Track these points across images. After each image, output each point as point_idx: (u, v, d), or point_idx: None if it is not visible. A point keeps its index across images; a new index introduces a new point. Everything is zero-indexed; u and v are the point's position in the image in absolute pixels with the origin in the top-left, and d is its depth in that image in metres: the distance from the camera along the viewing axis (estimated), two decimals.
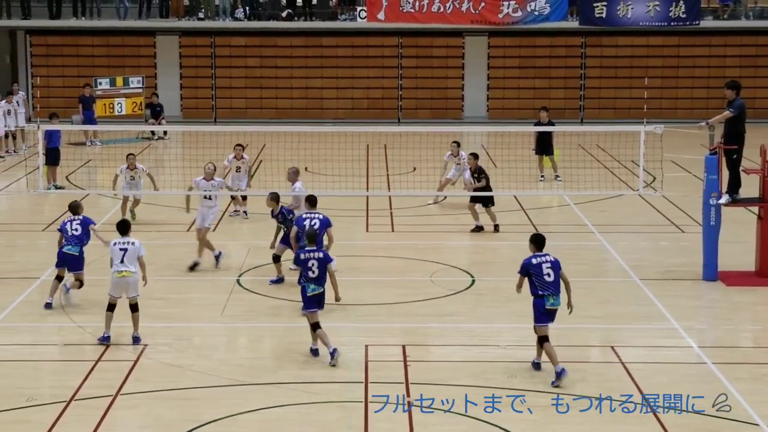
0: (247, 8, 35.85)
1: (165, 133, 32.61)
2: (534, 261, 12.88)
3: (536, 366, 13.05)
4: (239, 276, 17.25)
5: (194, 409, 11.97)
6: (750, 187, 17.47)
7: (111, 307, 13.97)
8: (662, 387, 12.53)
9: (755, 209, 17.58)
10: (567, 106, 36.57)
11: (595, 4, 35.17)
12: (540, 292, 12.76)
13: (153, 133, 32.55)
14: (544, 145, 25.34)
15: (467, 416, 11.70)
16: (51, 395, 12.25)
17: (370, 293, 16.36)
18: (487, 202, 20.50)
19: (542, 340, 12.85)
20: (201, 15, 35.94)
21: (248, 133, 29.12)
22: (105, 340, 13.87)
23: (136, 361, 13.34)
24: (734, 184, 17.08)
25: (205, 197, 18.13)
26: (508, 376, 12.87)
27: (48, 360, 13.60)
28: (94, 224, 16.07)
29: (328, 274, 13.43)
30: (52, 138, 24.01)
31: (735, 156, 16.90)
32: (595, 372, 13.18)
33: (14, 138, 29.45)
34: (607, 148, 28.57)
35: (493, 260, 18.56)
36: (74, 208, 16.02)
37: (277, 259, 16.77)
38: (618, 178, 25.43)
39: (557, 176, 25.41)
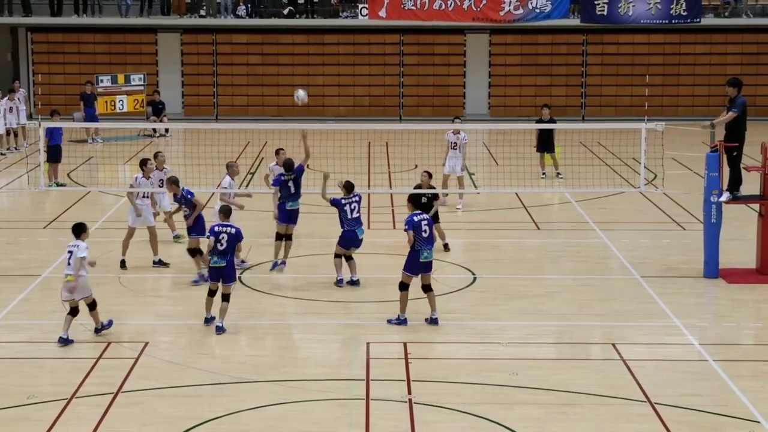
0: (249, 6, 35.84)
1: (167, 130, 32.60)
2: (415, 219, 14.47)
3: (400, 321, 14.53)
4: (241, 273, 17.21)
5: (195, 406, 11.94)
6: (751, 185, 17.44)
7: (72, 311, 13.92)
8: (664, 384, 12.51)
9: (756, 206, 17.54)
10: (568, 104, 36.54)
11: (596, 2, 35.13)
12: (416, 247, 14.33)
13: (154, 130, 32.54)
14: (545, 142, 25.33)
15: (468, 413, 11.68)
16: (52, 393, 12.23)
17: (371, 291, 16.34)
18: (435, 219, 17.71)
19: (404, 287, 14.48)
20: (203, 12, 35.92)
21: (250, 130, 29.10)
22: (63, 342, 13.76)
23: (137, 359, 13.32)
24: (735, 182, 17.05)
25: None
26: (510, 373, 12.85)
27: (49, 357, 13.57)
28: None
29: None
30: (53, 135, 23.98)
31: (735, 153, 16.86)
32: (596, 369, 13.16)
33: (15, 135, 29.42)
34: (609, 146, 28.54)
35: (494, 257, 18.54)
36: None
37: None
38: (619, 175, 25.39)
39: (558, 174, 25.39)
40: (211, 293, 14.58)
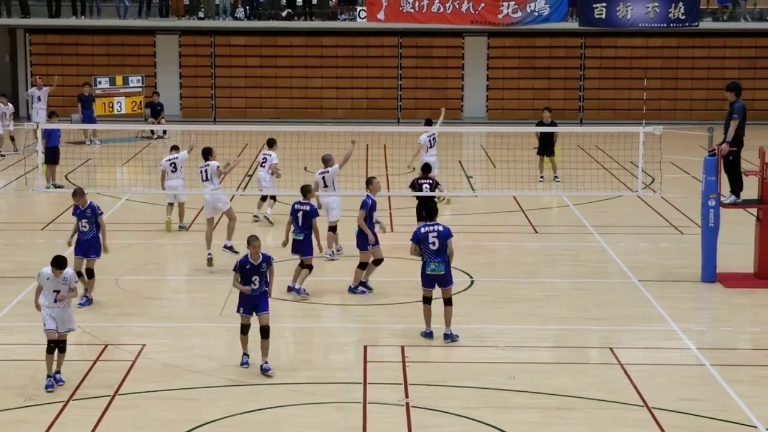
0: (247, 8, 35.84)
1: (164, 132, 32.58)
2: (422, 230, 14.06)
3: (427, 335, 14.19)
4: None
5: (193, 409, 11.93)
6: (749, 189, 17.45)
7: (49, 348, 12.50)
8: (661, 389, 12.51)
9: (754, 211, 17.55)
10: (566, 107, 36.55)
11: (594, 5, 35.13)
12: (423, 259, 14.00)
13: (152, 132, 32.53)
14: (546, 145, 25.29)
15: (466, 417, 11.67)
16: (49, 395, 12.21)
17: (369, 294, 16.34)
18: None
19: (426, 301, 14.13)
20: (201, 14, 35.92)
21: (248, 132, 29.08)
22: (49, 388, 12.37)
23: (134, 361, 13.31)
24: (737, 186, 17.05)
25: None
26: (507, 377, 12.84)
27: (44, 360, 13.52)
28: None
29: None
30: (51, 137, 23.95)
31: (731, 158, 16.87)
32: (594, 374, 13.16)
33: (12, 139, 29.40)
34: (606, 149, 28.54)
35: (492, 261, 18.54)
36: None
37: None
38: (617, 179, 25.40)
39: (556, 177, 25.39)
40: (245, 330, 13.22)
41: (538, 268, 18.09)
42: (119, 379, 12.69)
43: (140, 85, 33.68)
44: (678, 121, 34.92)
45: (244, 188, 24.64)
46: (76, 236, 15.46)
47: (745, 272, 17.38)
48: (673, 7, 34.94)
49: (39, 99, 30.60)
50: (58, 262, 12.52)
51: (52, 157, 24.04)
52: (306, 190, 16.43)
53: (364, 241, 16.24)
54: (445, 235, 14.00)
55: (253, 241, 13.09)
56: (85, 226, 15.28)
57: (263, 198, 21.12)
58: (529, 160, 25.87)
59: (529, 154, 26.26)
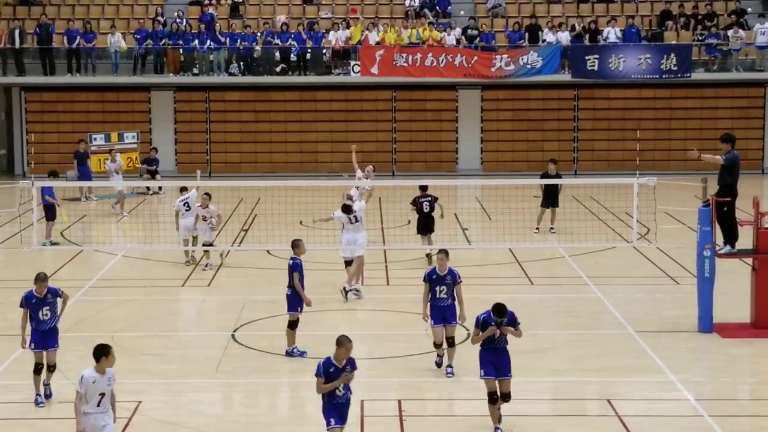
0: (242, 63, 36.09)
1: (160, 188, 32.67)
2: (481, 317, 13.21)
3: None
4: (234, 331, 17.20)
5: None
6: (743, 239, 17.52)
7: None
8: None
9: (750, 260, 17.61)
10: (561, 158, 36.62)
11: (587, 57, 35.51)
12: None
13: (148, 188, 32.61)
14: (551, 197, 25.36)
15: None
16: None
17: (366, 347, 16.31)
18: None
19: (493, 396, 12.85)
20: (195, 70, 36.18)
21: (243, 188, 29.21)
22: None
23: (130, 418, 13.27)
24: (732, 236, 17.12)
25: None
26: (508, 429, 12.79)
27: (42, 418, 13.50)
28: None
29: None
30: (50, 195, 24.10)
31: (726, 208, 16.96)
32: (592, 426, 13.13)
33: None
34: (601, 200, 28.66)
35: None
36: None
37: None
38: (612, 229, 25.49)
39: (552, 228, 25.47)
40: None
41: (535, 320, 18.07)
42: None
43: (135, 141, 33.83)
44: (672, 172, 35.10)
45: (240, 243, 24.67)
46: (28, 330, 13.75)
47: (742, 322, 17.40)
48: (664, 58, 35.30)
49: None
50: (102, 351, 11.06)
51: (49, 214, 24.11)
52: (294, 245, 16.05)
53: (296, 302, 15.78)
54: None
55: (345, 342, 11.47)
56: (46, 314, 13.65)
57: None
58: (524, 212, 25.96)
59: (524, 206, 26.35)
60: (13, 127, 37.16)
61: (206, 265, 21.70)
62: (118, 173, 30.00)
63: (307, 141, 36.88)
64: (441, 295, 14.76)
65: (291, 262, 15.78)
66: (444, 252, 15.01)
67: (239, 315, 18.11)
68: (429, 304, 14.82)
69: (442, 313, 14.79)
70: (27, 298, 13.75)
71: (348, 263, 19.45)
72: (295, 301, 15.73)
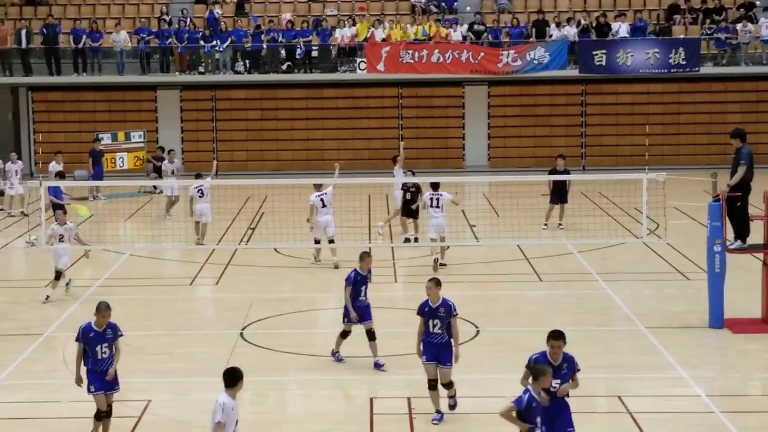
0: (248, 61, 36.10)
1: None
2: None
3: None
4: (242, 330, 17.21)
5: None
6: (755, 234, 17.48)
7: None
8: None
9: (760, 256, 17.56)
10: (569, 154, 36.59)
11: (594, 53, 35.44)
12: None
13: (155, 187, 32.59)
14: (560, 193, 25.28)
15: None
16: None
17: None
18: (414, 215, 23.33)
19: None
20: (201, 69, 36.20)
21: (250, 186, 29.21)
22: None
23: (139, 418, 13.28)
24: (744, 231, 17.07)
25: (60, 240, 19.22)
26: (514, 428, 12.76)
27: (52, 417, 13.52)
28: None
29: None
30: (57, 193, 24.17)
31: (739, 203, 16.91)
32: (602, 423, 13.10)
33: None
34: (610, 196, 28.61)
35: (495, 310, 18.52)
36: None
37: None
38: (621, 225, 25.44)
39: (560, 224, 25.42)
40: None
41: (543, 317, 18.05)
42: None
43: (142, 140, 33.87)
44: (681, 167, 35.02)
45: (247, 241, 24.69)
46: (83, 367, 12.32)
47: (753, 318, 17.36)
48: (673, 52, 35.22)
49: (15, 173, 28.91)
50: (238, 375, 10.36)
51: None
52: (359, 257, 15.29)
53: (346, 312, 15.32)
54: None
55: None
56: (104, 352, 12.21)
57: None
58: (532, 208, 25.92)
59: (532, 202, 26.30)
60: (21, 127, 37.23)
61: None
62: (173, 174, 29.40)
63: (313, 138, 36.88)
64: (435, 330, 13.02)
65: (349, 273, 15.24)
66: (434, 281, 13.24)
67: (247, 313, 18.12)
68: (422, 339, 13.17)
69: (436, 351, 13.06)
70: (84, 332, 12.14)
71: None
72: (346, 312, 15.18)
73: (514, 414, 10.08)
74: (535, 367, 10.41)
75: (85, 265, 20.77)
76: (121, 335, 12.34)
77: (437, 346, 13.08)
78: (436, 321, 13.06)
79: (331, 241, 21.75)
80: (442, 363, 13.08)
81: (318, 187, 21.68)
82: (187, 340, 16.83)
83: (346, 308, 15.14)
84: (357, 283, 15.06)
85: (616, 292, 19.39)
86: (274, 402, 14.17)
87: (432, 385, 13.10)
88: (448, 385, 13.18)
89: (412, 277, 20.86)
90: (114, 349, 12.26)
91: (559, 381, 11.46)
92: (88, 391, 12.20)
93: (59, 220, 19.39)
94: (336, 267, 21.35)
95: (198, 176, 24.92)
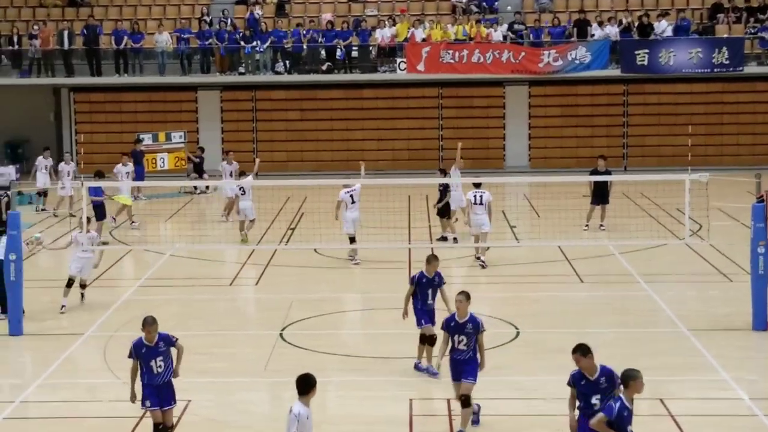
0: (287, 62, 36.23)
1: (207, 187, 32.85)
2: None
3: None
4: (282, 330, 17.27)
5: None
6: None
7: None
8: None
9: None
10: (610, 155, 36.38)
11: (636, 52, 35.21)
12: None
13: (195, 187, 32.80)
14: (601, 194, 25.13)
15: None
16: None
17: (413, 347, 16.29)
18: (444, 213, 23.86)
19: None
20: (242, 69, 36.37)
21: (290, 186, 29.28)
22: None
23: (180, 417, 13.35)
24: None
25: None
26: (554, 430, 12.74)
27: (91, 417, 13.64)
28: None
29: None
30: (96, 194, 24.35)
31: None
32: (644, 426, 12.99)
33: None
34: (652, 197, 28.42)
35: (536, 312, 18.46)
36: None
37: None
38: (663, 226, 25.27)
39: (602, 225, 25.28)
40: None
41: (584, 318, 17.98)
42: None
43: (182, 140, 34.05)
44: (724, 167, 34.69)
45: (287, 242, 24.78)
46: (138, 382, 12.05)
47: None
48: (716, 52, 34.91)
49: (68, 174, 29.30)
50: (311, 383, 10.20)
51: (99, 213, 24.34)
52: (426, 259, 15.00)
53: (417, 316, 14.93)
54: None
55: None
56: (159, 366, 11.92)
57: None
58: (572, 209, 25.79)
59: (572, 202, 26.16)
60: (63, 127, 37.60)
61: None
62: (233, 175, 29.14)
63: (353, 139, 36.92)
64: (460, 346, 12.60)
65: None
66: (464, 294, 12.78)
67: (287, 314, 18.18)
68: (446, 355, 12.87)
69: (459, 367, 12.67)
70: (136, 347, 11.91)
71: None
72: (417, 315, 14.80)
73: (605, 424, 9.81)
74: (626, 373, 10.03)
75: (122, 265, 20.87)
76: (176, 340, 12.06)
77: (460, 363, 12.66)
78: (462, 337, 12.62)
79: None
80: (464, 377, 12.62)
81: (347, 185, 22.47)
82: (227, 341, 16.92)
83: (417, 311, 14.78)
84: (421, 285, 14.79)
85: (658, 294, 19.26)
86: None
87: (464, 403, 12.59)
88: (466, 401, 12.59)
89: (450, 279, 20.81)
90: (172, 357, 11.98)
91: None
92: (143, 405, 11.98)
93: (84, 228, 18.82)
94: (356, 264, 22.10)
95: (242, 174, 25.73)
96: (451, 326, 12.66)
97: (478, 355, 12.70)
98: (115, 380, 14.79)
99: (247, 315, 18.98)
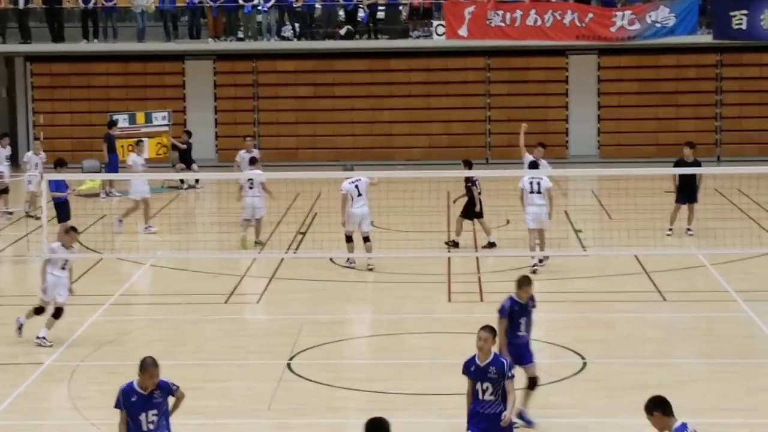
0: (297, 25, 36.28)
1: (197, 181, 32.96)
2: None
3: None
4: (290, 359, 17.32)
5: None
6: None
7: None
8: None
9: None
10: (700, 141, 36.32)
11: (732, 14, 35.13)
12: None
13: (182, 181, 32.91)
14: (689, 191, 25.04)
15: None
16: None
17: (454, 380, 16.26)
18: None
19: None
20: (240, 34, 36.49)
21: (299, 180, 29.35)
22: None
23: None
24: None
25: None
26: None
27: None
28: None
29: None
30: (58, 189, 24.31)
31: None
32: None
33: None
34: (752, 194, 28.35)
35: (608, 337, 18.45)
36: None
37: None
38: (766, 231, 25.21)
39: (689, 230, 25.25)
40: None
41: (667, 346, 17.96)
42: None
43: (166, 122, 34.13)
44: None
45: (296, 249, 24.84)
46: None
47: None
48: None
49: (36, 166, 29.62)
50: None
51: (63, 213, 24.40)
52: (520, 284, 14.59)
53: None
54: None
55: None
56: (152, 421, 11.29)
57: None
58: (653, 209, 25.74)
59: (652, 201, 26.09)
60: (17, 104, 37.80)
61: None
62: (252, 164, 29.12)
63: (379, 121, 37.01)
64: (486, 396, 12.25)
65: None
66: (488, 330, 12.44)
67: (296, 339, 18.23)
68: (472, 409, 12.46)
69: (484, 422, 12.31)
70: (125, 394, 11.24)
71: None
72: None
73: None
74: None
75: (90, 277, 20.98)
76: (176, 389, 11.46)
77: (485, 418, 12.32)
78: (487, 385, 12.26)
79: (366, 239, 22.30)
80: None
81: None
82: (220, 373, 16.98)
83: (507, 347, 14.13)
84: (514, 314, 14.31)
85: (760, 315, 19.22)
86: None
87: None
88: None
89: (500, 295, 20.79)
90: (168, 410, 11.43)
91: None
92: None
93: (65, 241, 17.97)
94: (370, 269, 22.40)
95: (252, 162, 25.89)
96: (471, 371, 12.39)
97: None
98: (83, 422, 14.87)
99: (245, 340, 19.03)
